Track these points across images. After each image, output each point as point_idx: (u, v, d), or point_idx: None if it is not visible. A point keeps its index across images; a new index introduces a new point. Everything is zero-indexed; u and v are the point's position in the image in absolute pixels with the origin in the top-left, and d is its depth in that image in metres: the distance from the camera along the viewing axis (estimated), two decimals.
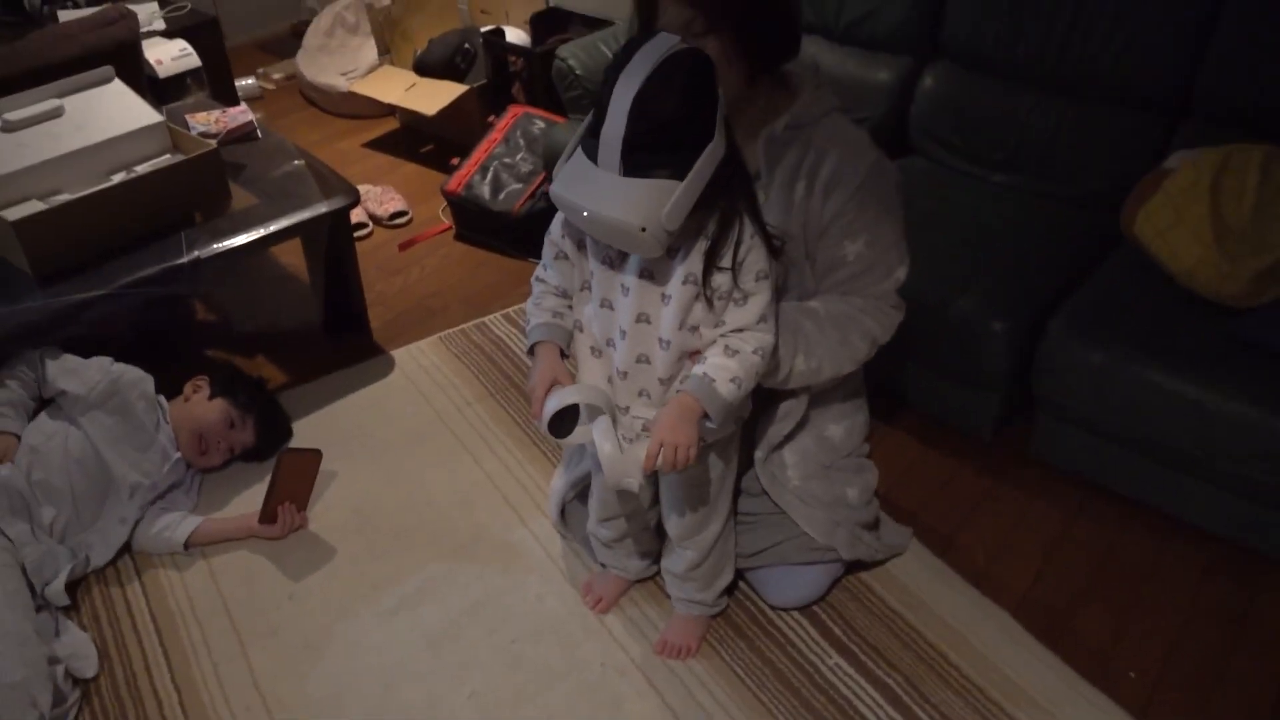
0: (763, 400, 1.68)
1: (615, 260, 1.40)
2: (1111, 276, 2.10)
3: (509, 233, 2.90)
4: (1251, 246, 1.88)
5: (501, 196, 2.89)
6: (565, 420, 1.44)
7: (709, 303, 1.38)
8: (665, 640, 1.78)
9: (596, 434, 1.38)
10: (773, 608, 1.84)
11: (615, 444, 1.38)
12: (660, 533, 1.81)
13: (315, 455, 2.01)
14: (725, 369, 1.39)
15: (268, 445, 2.19)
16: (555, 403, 1.40)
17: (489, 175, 2.94)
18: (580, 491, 1.90)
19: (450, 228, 3.08)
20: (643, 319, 1.40)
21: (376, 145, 3.61)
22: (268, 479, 1.98)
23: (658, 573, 1.87)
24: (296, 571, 1.93)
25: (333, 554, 1.97)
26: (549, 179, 2.83)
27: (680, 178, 1.22)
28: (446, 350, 2.54)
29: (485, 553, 1.97)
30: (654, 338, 1.41)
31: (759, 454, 1.74)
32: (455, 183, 2.96)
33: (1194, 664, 1.76)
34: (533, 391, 1.46)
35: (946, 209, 2.37)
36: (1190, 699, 1.70)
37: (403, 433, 2.27)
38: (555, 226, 1.48)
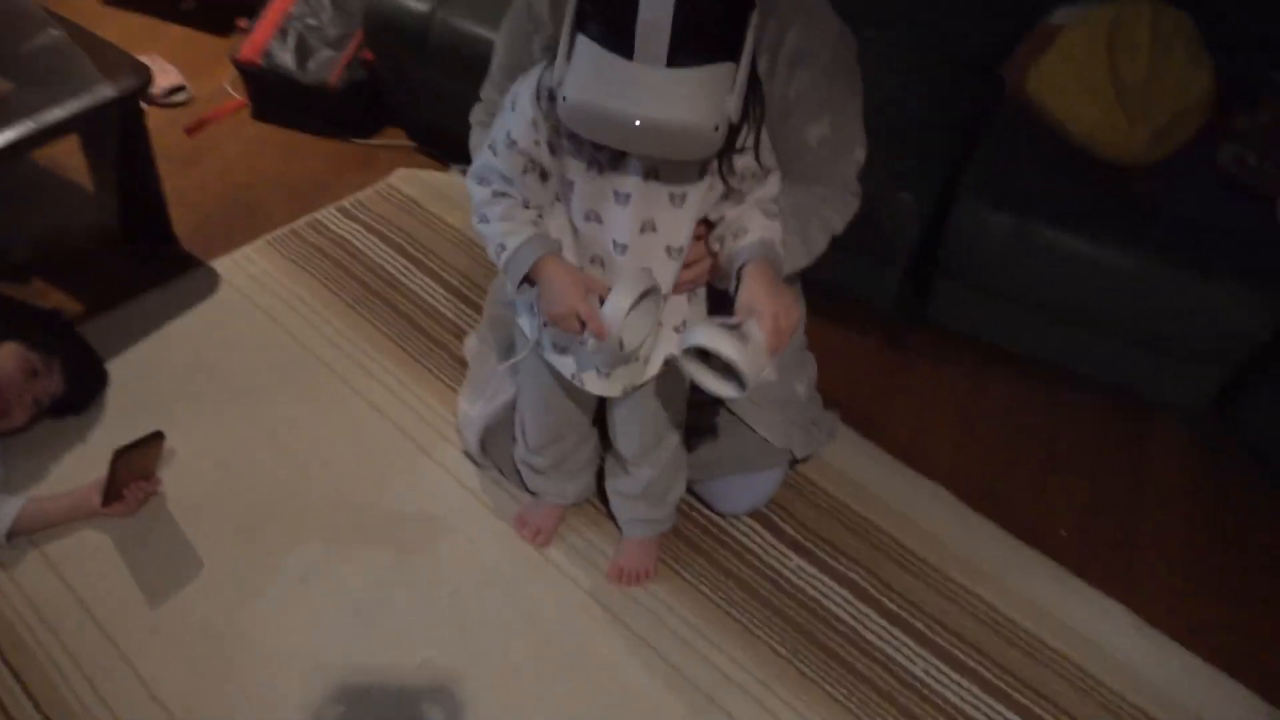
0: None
1: (606, 163, 1.15)
2: (1004, 140, 2.07)
3: (324, 108, 2.47)
4: (1150, 104, 1.90)
5: (311, 66, 2.44)
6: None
7: (728, 192, 1.19)
8: (620, 567, 1.64)
9: (709, 339, 1.09)
10: (722, 515, 1.74)
11: (731, 342, 1.10)
12: (598, 448, 1.64)
13: (155, 441, 1.63)
14: (774, 229, 1.22)
15: (81, 392, 1.78)
16: (618, 305, 1.11)
17: (290, 40, 2.47)
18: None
19: (245, 104, 2.59)
20: (648, 227, 1.18)
21: (121, 2, 2.95)
22: (92, 448, 1.60)
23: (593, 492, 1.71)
24: (165, 550, 1.60)
25: (207, 523, 1.64)
26: (369, 42, 2.41)
27: (735, 59, 0.99)
28: (279, 255, 2.16)
29: (393, 496, 1.71)
30: (660, 246, 1.20)
31: None
32: (249, 50, 2.47)
33: (1111, 517, 1.85)
34: (573, 309, 1.17)
35: None
36: (1115, 553, 1.79)
37: (254, 363, 1.92)
38: (520, 131, 1.17)
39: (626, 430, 1.51)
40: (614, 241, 1.20)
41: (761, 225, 1.21)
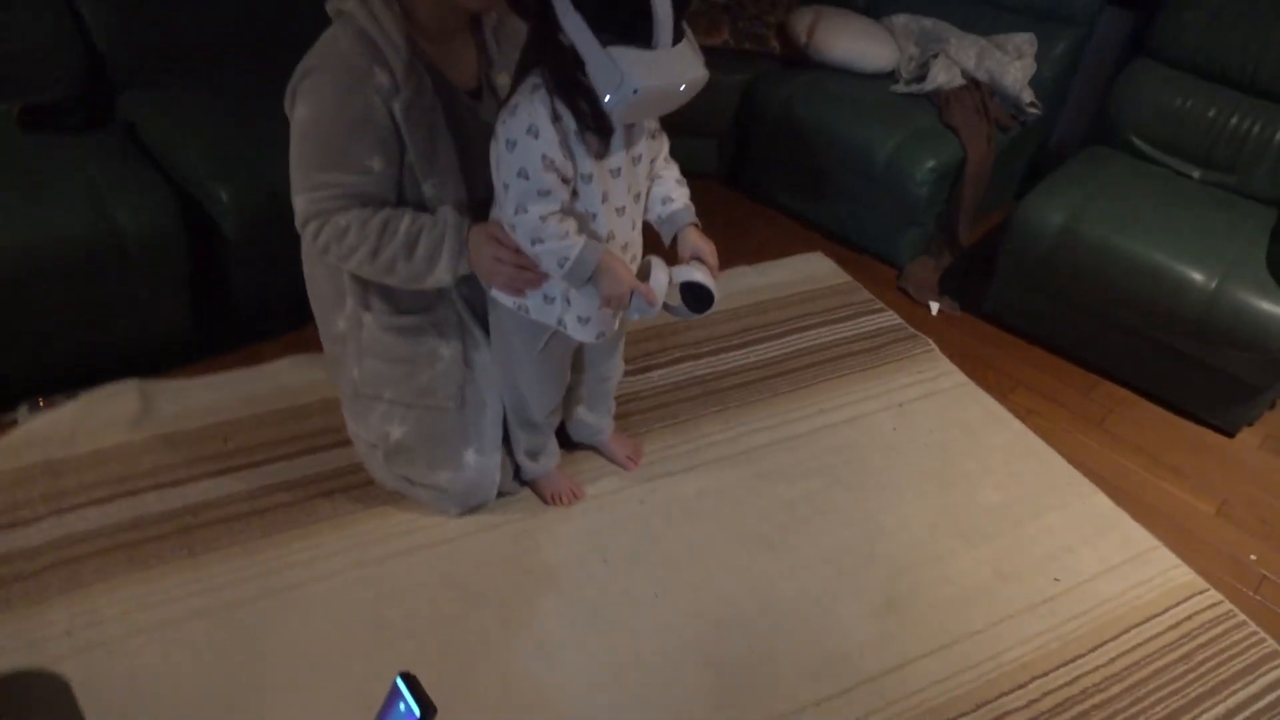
0: None
1: (602, 150, 1.44)
2: None
3: None
4: None
5: None
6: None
7: (654, 134, 1.57)
8: (628, 456, 2.00)
9: (702, 277, 1.53)
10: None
11: (706, 275, 1.55)
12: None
13: None
14: (685, 194, 1.62)
15: None
16: (661, 281, 1.52)
17: None
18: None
19: None
20: (633, 188, 1.52)
21: None
22: None
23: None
24: None
25: None
26: None
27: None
28: None
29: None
30: (632, 195, 1.54)
31: None
32: None
33: None
34: (630, 288, 1.49)
35: None
36: None
37: None
38: (554, 151, 1.38)
39: (607, 358, 1.85)
40: (616, 209, 1.50)
41: (681, 194, 1.61)
